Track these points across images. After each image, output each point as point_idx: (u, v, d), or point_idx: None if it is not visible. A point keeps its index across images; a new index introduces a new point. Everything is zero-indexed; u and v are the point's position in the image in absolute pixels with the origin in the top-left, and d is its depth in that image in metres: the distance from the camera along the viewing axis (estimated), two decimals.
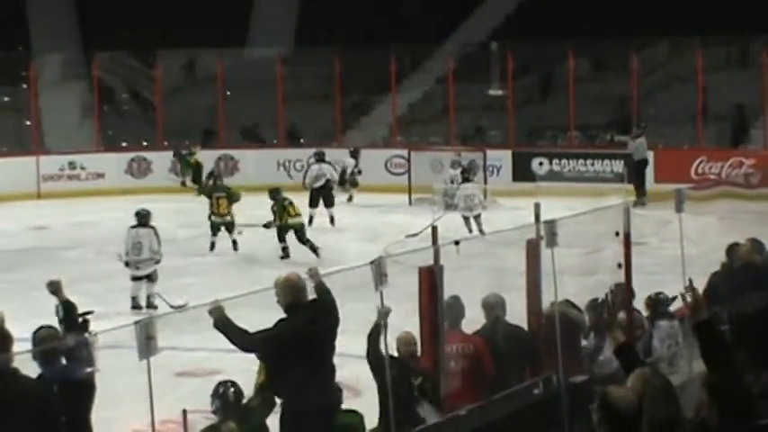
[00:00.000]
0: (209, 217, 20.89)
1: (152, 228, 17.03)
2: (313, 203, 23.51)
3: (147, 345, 6.17)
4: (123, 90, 33.79)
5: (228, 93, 31.89)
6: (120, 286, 17.02)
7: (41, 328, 7.21)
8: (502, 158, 28.35)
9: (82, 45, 34.28)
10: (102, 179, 28.70)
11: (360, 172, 27.41)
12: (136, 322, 6.20)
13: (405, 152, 28.63)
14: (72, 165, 29.44)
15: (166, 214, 24.63)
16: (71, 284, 17.05)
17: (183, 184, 28.43)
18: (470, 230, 21.17)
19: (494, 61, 30.56)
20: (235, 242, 20.65)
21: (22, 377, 6.35)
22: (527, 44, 29.05)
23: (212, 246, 20.73)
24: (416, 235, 18.98)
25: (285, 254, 20.23)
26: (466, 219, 21.65)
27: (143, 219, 17.14)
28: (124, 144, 31.59)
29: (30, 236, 23.08)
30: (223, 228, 20.74)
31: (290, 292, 7.79)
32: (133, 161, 29.94)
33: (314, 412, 7.54)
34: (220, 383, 7.42)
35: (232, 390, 7.40)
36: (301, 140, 31.51)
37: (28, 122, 31.12)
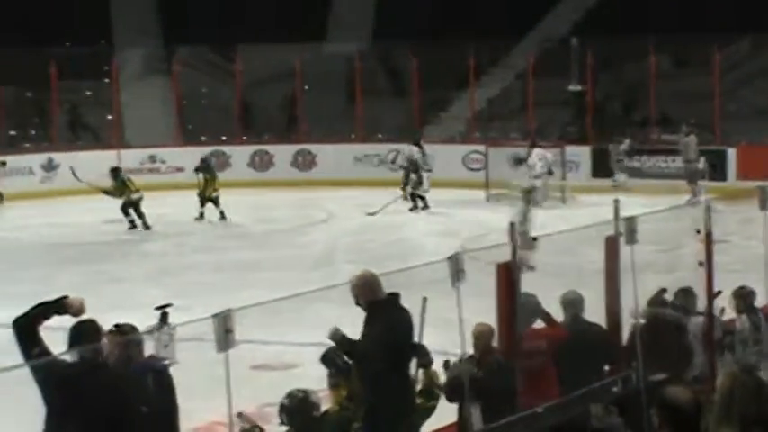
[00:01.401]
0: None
1: None
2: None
3: (225, 338, 6.19)
4: (203, 84, 34.03)
5: (306, 88, 32.00)
6: (198, 280, 17.16)
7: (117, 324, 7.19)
8: (581, 154, 28.16)
9: (163, 40, 34.60)
10: (181, 173, 28.92)
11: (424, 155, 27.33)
12: (214, 315, 6.23)
13: (482, 148, 28.54)
14: (152, 158, 29.74)
15: (243, 209, 24.85)
16: (150, 277, 17.40)
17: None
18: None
19: (574, 57, 30.34)
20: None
21: (110, 369, 6.40)
22: (607, 40, 28.81)
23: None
24: (375, 213, 23.17)
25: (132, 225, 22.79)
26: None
27: None
28: (203, 138, 31.82)
29: (110, 229, 23.32)
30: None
31: (367, 289, 7.76)
32: (212, 155, 30.14)
33: (400, 418, 7.54)
34: (290, 394, 7.37)
35: (302, 398, 7.33)
36: (379, 135, 31.53)
37: (109, 117, 31.46)
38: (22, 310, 6.53)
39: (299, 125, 31.56)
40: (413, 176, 25.45)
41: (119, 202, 22.82)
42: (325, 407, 7.35)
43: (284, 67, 31.97)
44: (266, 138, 31.07)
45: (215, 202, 23.84)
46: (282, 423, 7.19)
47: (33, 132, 31.83)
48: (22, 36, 30.82)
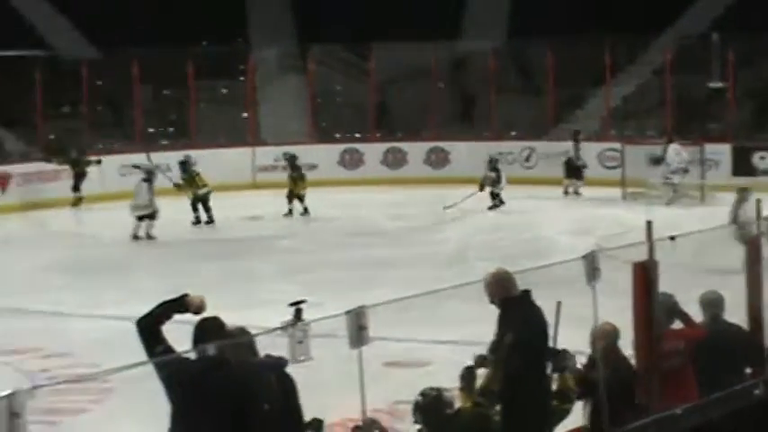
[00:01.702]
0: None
1: None
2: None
3: (358, 334, 6.18)
4: (337, 82, 34.21)
5: (441, 85, 31.94)
6: (331, 276, 17.22)
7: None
8: (721, 152, 27.61)
9: (297, 39, 34.87)
10: (315, 170, 29.13)
11: (579, 157, 27.19)
12: (347, 312, 6.21)
13: (618, 145, 28.18)
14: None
15: (377, 206, 24.90)
16: (284, 273, 17.52)
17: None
18: None
19: (715, 53, 29.76)
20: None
21: (233, 366, 6.41)
22: (749, 36, 28.21)
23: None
24: (451, 207, 23.77)
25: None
26: None
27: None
28: (337, 135, 31.99)
29: (245, 225, 23.58)
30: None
31: (501, 287, 7.67)
32: (346, 153, 30.30)
33: (537, 418, 7.45)
34: (424, 393, 7.31)
35: (435, 396, 7.26)
36: (512, 133, 31.34)
37: (245, 114, 31.81)
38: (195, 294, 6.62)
39: (433, 123, 31.52)
40: (491, 174, 25.38)
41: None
42: (457, 405, 7.28)
43: (418, 65, 31.96)
44: (399, 135, 31.09)
45: (301, 198, 24.37)
46: (416, 422, 7.14)
47: (171, 130, 32.35)
48: (162, 35, 31.33)
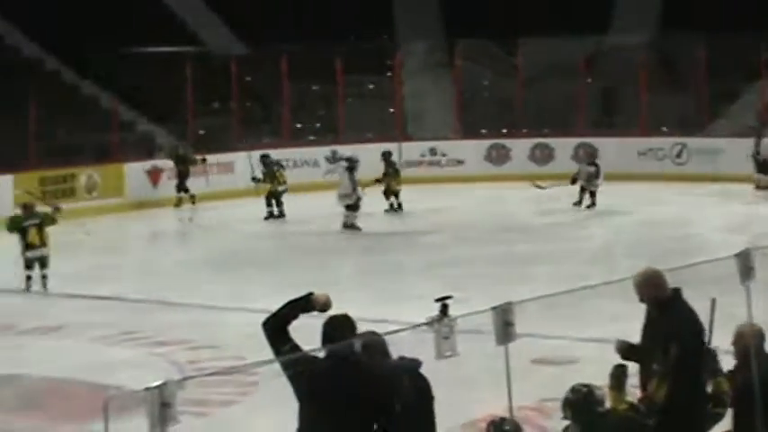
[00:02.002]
0: None
1: None
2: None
3: (505, 331, 6.11)
4: (484, 78, 34.08)
5: (589, 80, 31.59)
6: (477, 272, 17.15)
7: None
8: None
9: (444, 34, 34.83)
10: (461, 166, 29.05)
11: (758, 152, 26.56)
12: (493, 308, 6.15)
13: None
14: (433, 151, 29.99)
15: (523, 201, 24.75)
16: (430, 268, 17.51)
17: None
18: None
19: None
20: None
21: (364, 364, 6.33)
22: None
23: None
24: (543, 188, 24.32)
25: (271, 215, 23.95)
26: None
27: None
28: (483, 131, 31.87)
29: (391, 220, 23.64)
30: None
31: (652, 286, 7.50)
32: (492, 148, 30.16)
33: (694, 422, 7.28)
34: (574, 389, 7.18)
35: (586, 393, 7.13)
36: (663, 129, 30.82)
37: (391, 110, 31.90)
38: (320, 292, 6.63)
39: (581, 118, 31.18)
40: (588, 168, 24.61)
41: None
42: (608, 404, 7.15)
43: (566, 60, 31.64)
44: (546, 131, 30.82)
45: (396, 194, 24.38)
46: (565, 417, 7.03)
47: (318, 126, 32.61)
48: (310, 32, 31.61)
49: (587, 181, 24.50)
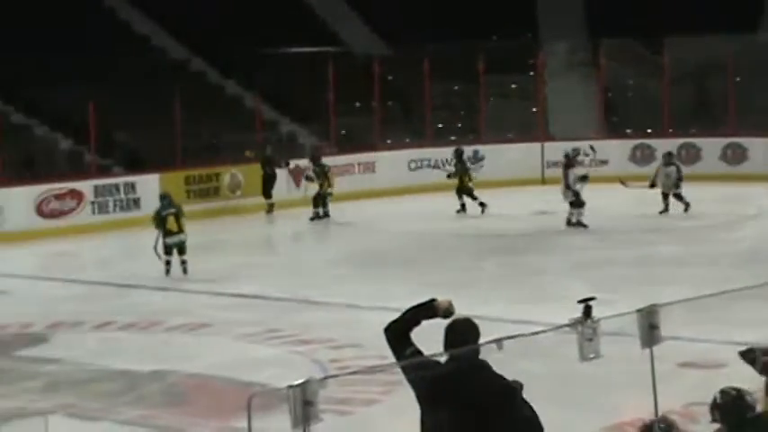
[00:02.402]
0: None
1: None
2: None
3: (650, 333, 5.99)
4: (629, 77, 33.64)
5: (738, 79, 30.93)
6: (621, 273, 16.93)
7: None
8: None
9: (588, 33, 34.47)
10: (605, 166, 28.67)
11: None
12: (639, 310, 6.03)
13: None
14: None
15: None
16: (572, 270, 17.34)
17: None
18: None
19: None
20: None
21: (489, 369, 6.19)
22: None
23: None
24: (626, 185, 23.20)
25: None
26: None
27: None
28: (628, 131, 31.45)
29: (533, 220, 23.46)
30: None
31: None
32: (637, 149, 29.73)
33: None
34: (724, 391, 7.00)
35: (736, 396, 6.94)
36: None
37: (534, 109, 31.69)
38: (444, 298, 6.56)
39: (730, 118, 30.54)
40: (668, 169, 23.40)
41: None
42: (759, 408, 6.96)
43: (714, 59, 31.05)
44: (693, 131, 30.26)
45: (470, 194, 24.27)
46: (714, 420, 6.86)
47: (459, 125, 32.55)
48: (452, 32, 31.60)
49: (667, 184, 23.20)
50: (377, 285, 16.94)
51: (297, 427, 5.54)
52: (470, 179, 24.64)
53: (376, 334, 13.57)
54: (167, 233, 18.18)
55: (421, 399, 6.34)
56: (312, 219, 24.17)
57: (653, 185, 23.40)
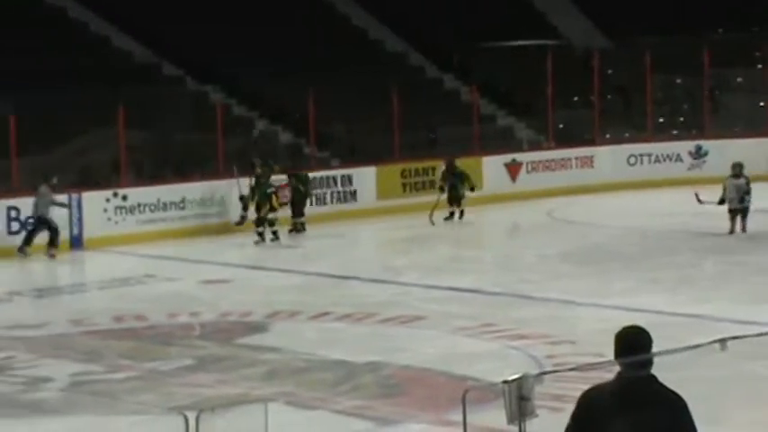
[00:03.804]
0: None
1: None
2: None
3: None
4: None
5: None
6: None
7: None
8: None
9: None
10: None
11: None
12: None
13: None
14: None
15: None
16: None
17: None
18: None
19: None
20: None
21: (664, 387, 5.77)
22: None
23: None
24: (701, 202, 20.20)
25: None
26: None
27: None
28: None
29: (756, 219, 22.70)
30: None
31: None
32: None
33: None
34: None
35: None
36: None
37: (761, 104, 30.76)
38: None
39: None
40: (736, 182, 20.50)
41: None
42: None
43: None
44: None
45: (459, 201, 23.51)
46: None
47: (682, 120, 31.86)
48: (676, 24, 30.94)
49: (733, 200, 20.28)
50: (593, 281, 16.71)
51: (512, 422, 5.46)
52: (468, 188, 23.61)
53: (592, 330, 13.51)
54: (271, 209, 21.01)
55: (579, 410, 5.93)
56: (446, 219, 23.49)
57: (722, 201, 20.47)
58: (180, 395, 11.43)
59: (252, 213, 21.53)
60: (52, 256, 20.10)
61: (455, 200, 23.60)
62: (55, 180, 20.71)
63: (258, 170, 21.58)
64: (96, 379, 12.43)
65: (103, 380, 12.40)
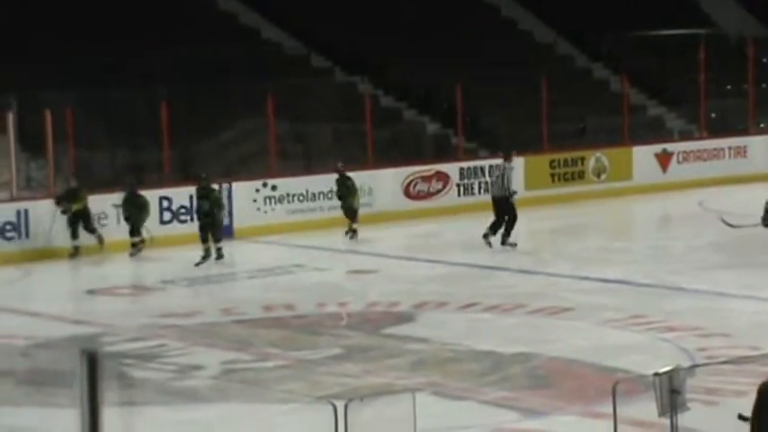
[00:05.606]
0: None
1: None
2: None
3: None
4: None
5: None
6: None
7: None
8: None
9: None
10: None
11: None
12: None
13: None
14: None
15: None
16: None
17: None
18: None
19: None
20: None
21: None
22: None
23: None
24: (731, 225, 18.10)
25: None
26: None
27: None
28: None
29: None
30: None
31: None
32: None
33: None
34: None
35: None
36: None
37: None
38: None
39: None
40: None
41: None
42: None
43: None
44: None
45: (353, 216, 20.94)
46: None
47: None
48: None
49: None
50: (747, 273, 16.36)
51: (663, 415, 5.35)
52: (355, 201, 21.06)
53: (746, 323, 13.19)
54: None
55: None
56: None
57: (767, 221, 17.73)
58: (327, 384, 11.53)
59: None
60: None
61: (349, 213, 21.11)
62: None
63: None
64: (246, 367, 12.62)
65: (253, 368, 12.58)
